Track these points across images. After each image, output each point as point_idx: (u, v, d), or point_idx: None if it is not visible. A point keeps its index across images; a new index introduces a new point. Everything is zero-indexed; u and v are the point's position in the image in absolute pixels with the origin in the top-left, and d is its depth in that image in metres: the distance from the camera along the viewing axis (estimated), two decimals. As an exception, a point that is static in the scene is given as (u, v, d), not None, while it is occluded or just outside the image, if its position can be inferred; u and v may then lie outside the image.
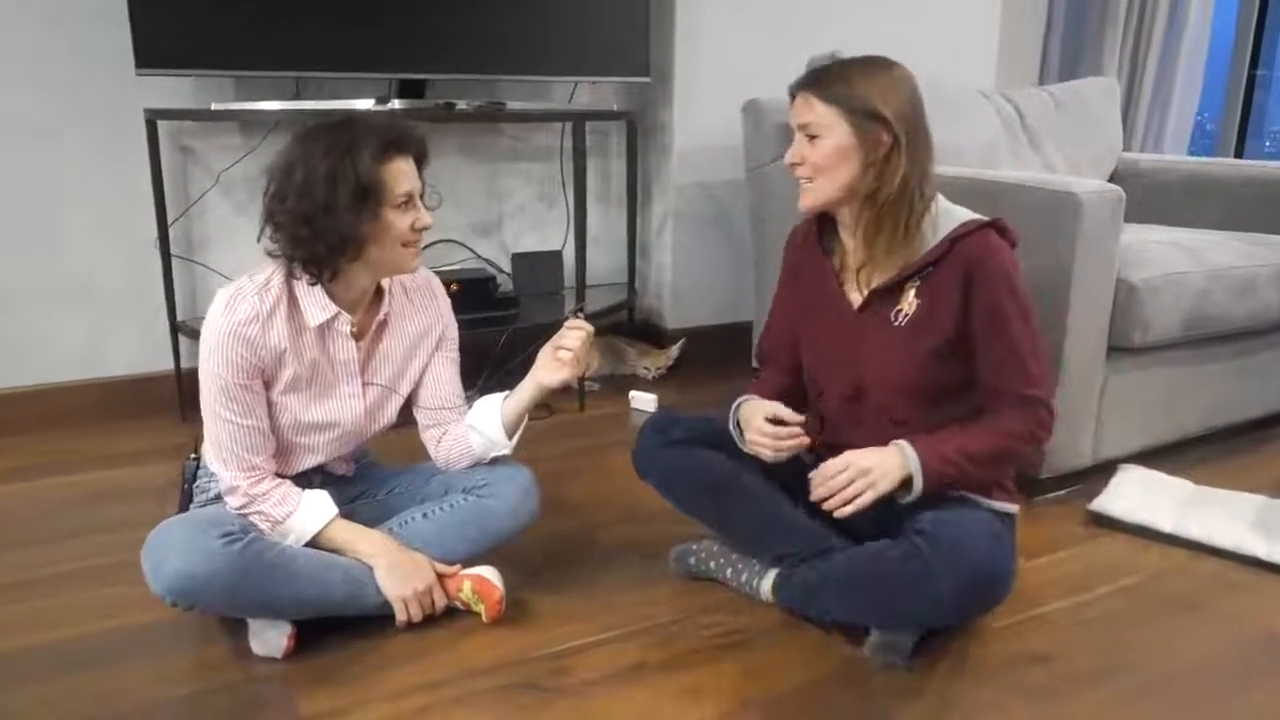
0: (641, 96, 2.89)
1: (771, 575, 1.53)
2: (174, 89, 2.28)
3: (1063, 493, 2.01)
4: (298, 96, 2.39)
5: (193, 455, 1.54)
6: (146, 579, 1.28)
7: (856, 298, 1.46)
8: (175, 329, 2.34)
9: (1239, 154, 3.72)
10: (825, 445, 1.49)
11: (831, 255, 1.50)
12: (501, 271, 2.73)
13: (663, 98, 2.84)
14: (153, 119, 2.18)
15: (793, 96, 1.41)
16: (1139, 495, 1.95)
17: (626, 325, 2.94)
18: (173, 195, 2.31)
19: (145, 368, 2.42)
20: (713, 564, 1.60)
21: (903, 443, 1.34)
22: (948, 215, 1.40)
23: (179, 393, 2.39)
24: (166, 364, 2.38)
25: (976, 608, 1.36)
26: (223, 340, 1.33)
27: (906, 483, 1.33)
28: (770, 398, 1.49)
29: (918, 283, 1.39)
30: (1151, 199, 2.74)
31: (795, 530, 1.48)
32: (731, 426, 1.52)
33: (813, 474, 1.37)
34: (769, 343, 1.64)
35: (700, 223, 2.93)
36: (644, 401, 2.60)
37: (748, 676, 1.37)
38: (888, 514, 1.42)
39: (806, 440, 1.43)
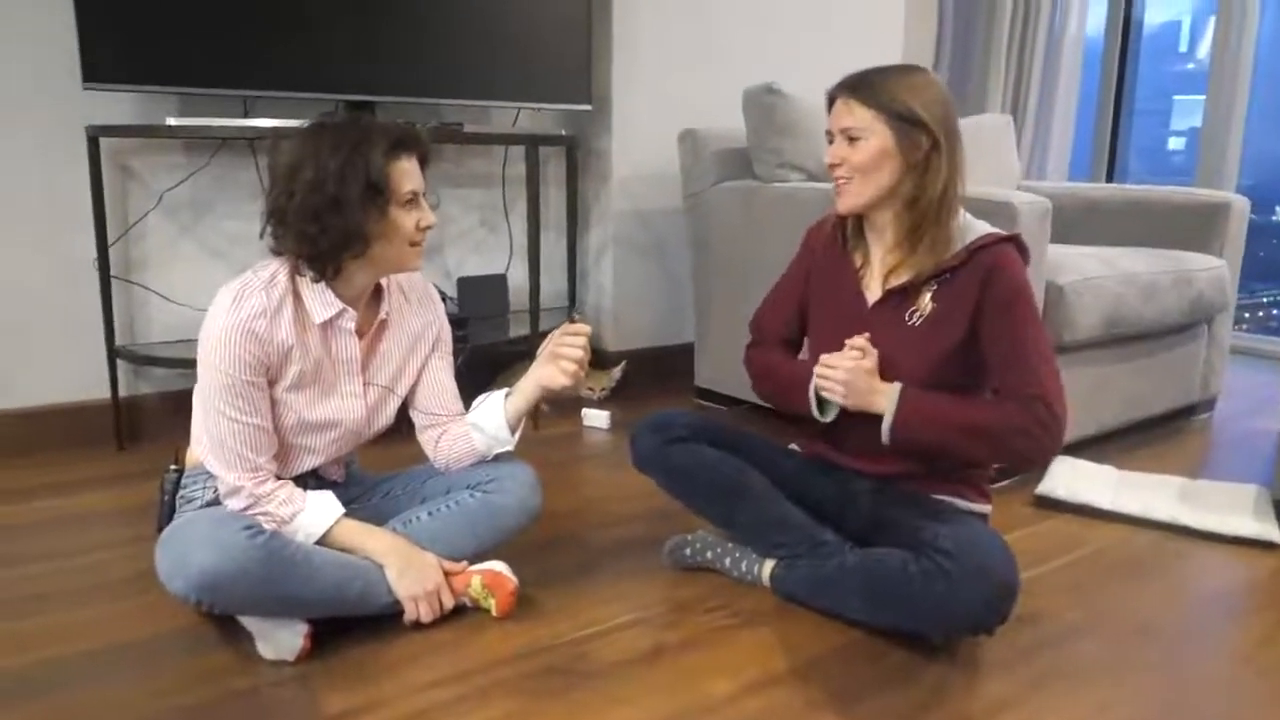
0: (580, 124, 2.97)
1: (770, 564, 1.58)
2: (114, 107, 2.21)
3: (1006, 482, 2.15)
4: (246, 116, 2.35)
5: (173, 466, 1.48)
6: (164, 578, 1.22)
7: (872, 296, 1.51)
8: (113, 354, 2.22)
9: (1109, 181, 4.08)
10: (821, 437, 1.56)
11: (853, 254, 1.55)
12: (446, 296, 2.72)
13: (601, 126, 2.92)
14: (95, 136, 2.10)
15: (831, 100, 1.47)
16: (1077, 480, 2.12)
17: (570, 348, 2.96)
18: (111, 216, 2.22)
19: (76, 396, 2.29)
20: (709, 553, 1.64)
21: (896, 385, 1.41)
22: (970, 227, 1.46)
23: (116, 422, 2.26)
24: (101, 392, 2.26)
25: (995, 622, 1.35)
26: (231, 335, 1.30)
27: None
28: None
29: (935, 286, 1.44)
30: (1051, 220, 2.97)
31: (794, 526, 1.54)
32: (811, 395, 1.50)
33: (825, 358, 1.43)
34: (769, 319, 1.67)
35: (638, 249, 3.01)
36: (596, 418, 2.63)
37: (766, 651, 1.41)
38: (884, 516, 1.50)
39: (865, 342, 1.43)
